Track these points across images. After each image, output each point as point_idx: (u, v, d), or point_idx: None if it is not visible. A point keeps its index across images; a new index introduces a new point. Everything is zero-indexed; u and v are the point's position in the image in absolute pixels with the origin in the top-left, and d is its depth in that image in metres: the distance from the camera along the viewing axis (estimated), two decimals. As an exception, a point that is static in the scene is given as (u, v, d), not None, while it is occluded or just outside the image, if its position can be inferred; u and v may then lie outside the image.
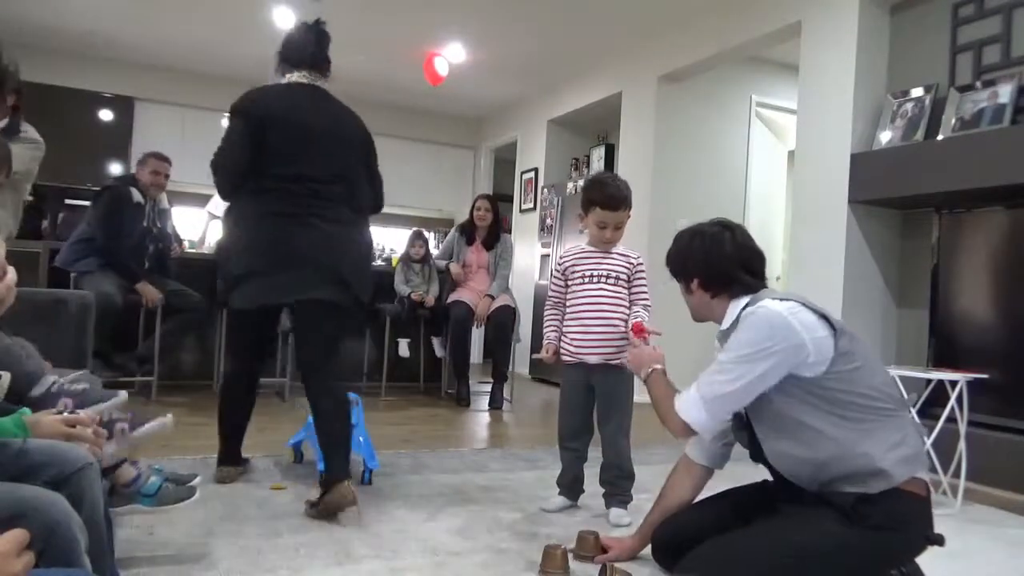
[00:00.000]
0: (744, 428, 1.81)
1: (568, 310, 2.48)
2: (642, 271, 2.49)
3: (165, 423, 1.84)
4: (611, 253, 2.47)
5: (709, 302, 1.83)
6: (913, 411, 2.82)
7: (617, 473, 2.44)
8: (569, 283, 2.48)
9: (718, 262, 1.80)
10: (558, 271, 2.53)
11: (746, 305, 1.75)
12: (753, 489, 1.93)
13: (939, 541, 1.60)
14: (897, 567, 1.64)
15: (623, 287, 2.44)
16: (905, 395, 1.74)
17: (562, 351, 2.49)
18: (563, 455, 2.53)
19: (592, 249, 2.48)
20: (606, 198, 2.39)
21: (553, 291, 2.54)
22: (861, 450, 1.57)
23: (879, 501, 1.56)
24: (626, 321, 2.40)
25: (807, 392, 1.62)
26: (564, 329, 2.49)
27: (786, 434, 1.67)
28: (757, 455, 1.80)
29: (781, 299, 1.68)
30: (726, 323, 1.80)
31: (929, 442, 2.71)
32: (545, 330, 2.54)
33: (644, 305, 2.44)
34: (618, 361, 2.38)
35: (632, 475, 2.46)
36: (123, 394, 1.80)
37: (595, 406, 2.48)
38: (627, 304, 2.43)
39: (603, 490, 2.47)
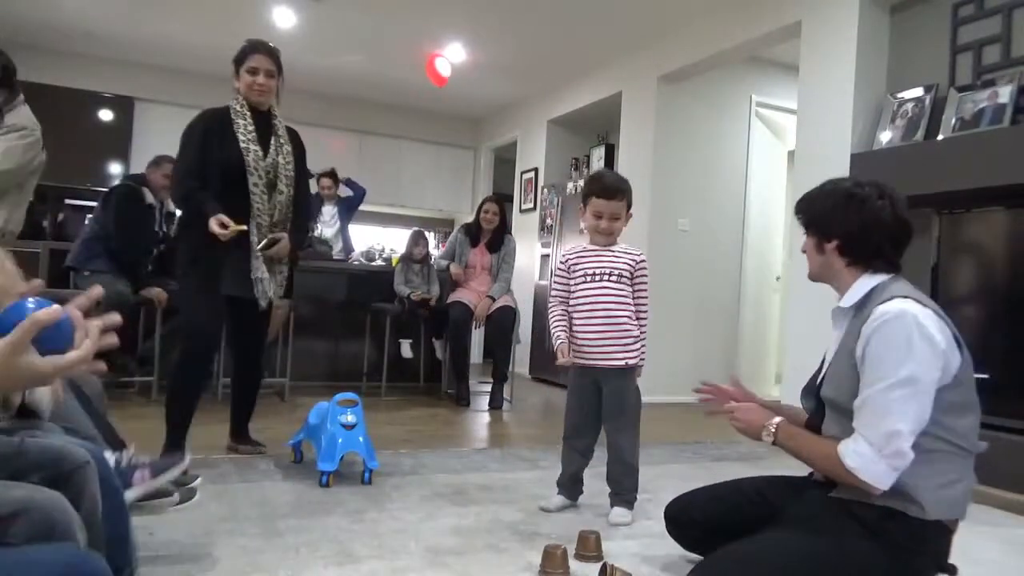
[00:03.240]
0: (814, 398, 1.72)
1: (573, 311, 2.44)
2: (644, 270, 2.46)
3: (184, 464, 1.88)
4: (613, 250, 2.44)
5: (840, 269, 1.66)
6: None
7: (623, 470, 2.42)
8: (572, 282, 2.45)
9: (870, 232, 1.62)
10: (562, 267, 2.50)
11: (872, 290, 1.59)
12: (775, 481, 1.87)
13: (952, 572, 1.55)
14: None
15: (627, 284, 2.42)
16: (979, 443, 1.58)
17: (574, 354, 2.42)
18: (566, 453, 2.51)
19: (594, 248, 2.46)
20: (602, 187, 2.40)
21: (557, 288, 2.49)
22: (911, 475, 1.46)
23: (904, 520, 1.48)
24: (631, 317, 2.39)
25: None
26: (572, 330, 2.43)
27: (849, 425, 1.54)
28: (814, 422, 1.71)
29: (919, 301, 1.49)
30: (849, 299, 1.63)
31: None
32: (554, 329, 2.43)
33: (642, 310, 2.43)
34: (624, 362, 2.37)
35: (637, 472, 2.44)
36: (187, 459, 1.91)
37: (602, 404, 2.45)
38: (631, 301, 2.42)
39: (608, 489, 2.46)
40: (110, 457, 1.70)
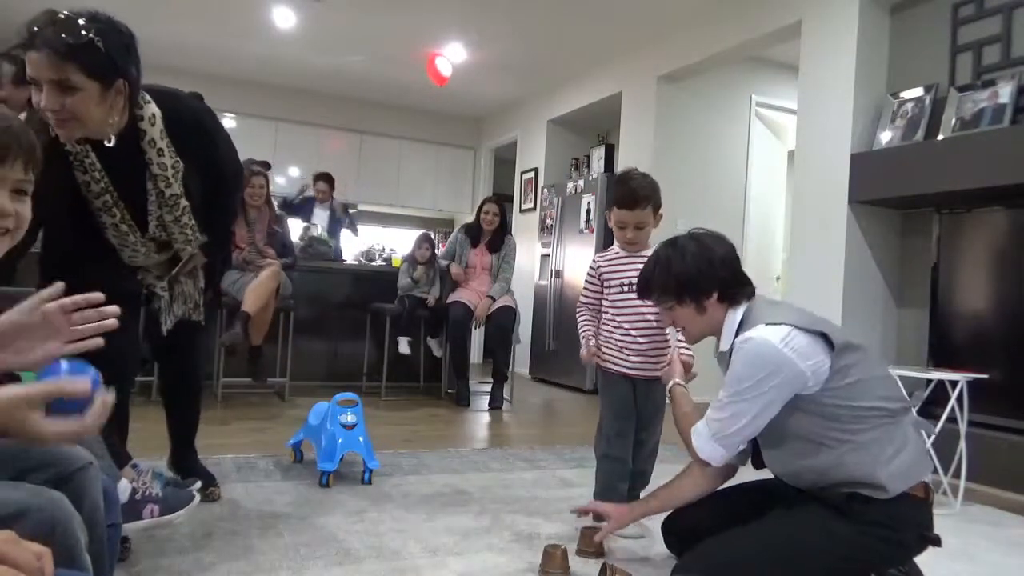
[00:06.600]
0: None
1: (608, 317, 2.34)
2: None
3: (192, 507, 1.90)
4: (644, 256, 2.30)
5: (722, 317, 1.75)
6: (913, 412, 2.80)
7: (641, 480, 2.40)
8: (605, 289, 2.36)
9: (728, 268, 1.73)
10: (593, 275, 2.40)
11: (740, 325, 1.69)
12: (763, 485, 1.92)
13: (936, 542, 1.59)
14: (894, 565, 1.64)
15: None
16: (907, 396, 1.70)
17: (606, 359, 2.33)
18: (608, 467, 2.32)
19: (625, 254, 2.35)
20: (620, 197, 2.28)
21: (588, 295, 2.41)
22: (858, 463, 1.55)
23: (871, 502, 1.55)
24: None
25: (804, 406, 1.60)
26: (607, 336, 2.34)
27: (785, 444, 1.66)
28: (758, 462, 1.80)
29: (774, 323, 1.60)
30: (726, 343, 1.73)
31: (929, 442, 2.71)
32: (583, 331, 2.40)
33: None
34: (659, 373, 2.32)
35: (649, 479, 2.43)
36: (196, 498, 1.94)
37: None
38: None
39: None
40: (127, 486, 1.71)
